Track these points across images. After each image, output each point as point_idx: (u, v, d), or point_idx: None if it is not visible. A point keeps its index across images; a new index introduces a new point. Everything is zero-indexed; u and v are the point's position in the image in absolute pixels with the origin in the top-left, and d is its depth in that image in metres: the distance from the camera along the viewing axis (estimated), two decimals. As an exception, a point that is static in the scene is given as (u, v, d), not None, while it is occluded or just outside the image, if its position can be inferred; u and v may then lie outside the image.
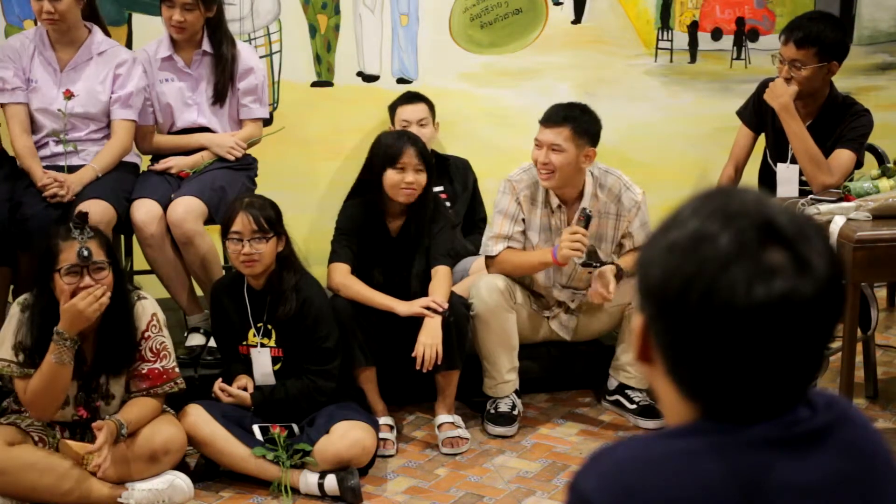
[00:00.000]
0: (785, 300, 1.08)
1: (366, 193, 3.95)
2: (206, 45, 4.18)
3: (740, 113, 4.51)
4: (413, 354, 3.76)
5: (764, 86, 4.35)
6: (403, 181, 3.85)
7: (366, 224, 3.95)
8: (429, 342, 3.76)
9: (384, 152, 3.89)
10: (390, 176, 3.86)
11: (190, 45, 4.18)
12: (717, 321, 1.09)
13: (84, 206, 3.68)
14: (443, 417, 3.96)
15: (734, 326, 1.08)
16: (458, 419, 3.98)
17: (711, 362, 1.11)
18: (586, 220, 3.85)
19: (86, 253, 3.30)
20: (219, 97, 4.20)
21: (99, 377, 3.45)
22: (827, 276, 1.10)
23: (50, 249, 3.36)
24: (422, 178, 3.89)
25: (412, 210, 3.95)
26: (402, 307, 3.81)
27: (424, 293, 3.90)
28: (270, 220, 3.65)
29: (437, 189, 4.51)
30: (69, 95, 3.99)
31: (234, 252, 3.63)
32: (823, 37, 4.11)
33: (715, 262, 1.09)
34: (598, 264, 4.02)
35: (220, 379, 3.72)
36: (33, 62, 4.04)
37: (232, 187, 4.08)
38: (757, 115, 4.43)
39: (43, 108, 4.02)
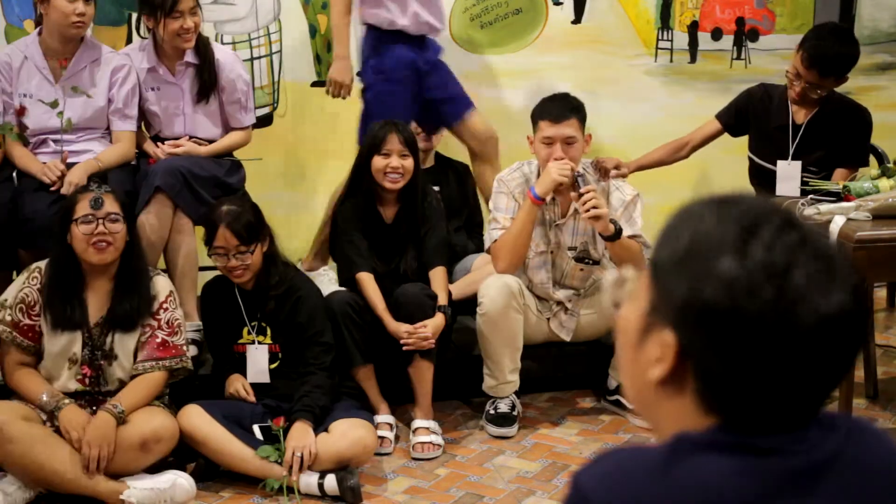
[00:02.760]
0: (841, 315, 1.10)
1: (359, 188, 3.98)
2: (189, 55, 4.18)
3: (720, 115, 4.55)
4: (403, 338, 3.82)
5: (748, 94, 4.46)
6: (388, 166, 3.91)
7: (363, 216, 3.99)
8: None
9: (371, 139, 3.97)
10: (376, 162, 3.93)
11: (175, 54, 4.18)
12: (784, 343, 1.09)
13: None
14: (418, 422, 3.92)
15: (799, 346, 1.09)
16: (434, 425, 3.94)
17: (764, 379, 1.10)
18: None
19: (98, 198, 3.48)
20: (203, 95, 4.20)
21: (107, 334, 3.51)
22: (858, 286, 1.13)
23: (68, 202, 3.54)
24: (408, 164, 3.95)
25: (405, 197, 3.99)
26: (392, 326, 3.84)
27: (418, 278, 3.96)
28: (252, 228, 3.65)
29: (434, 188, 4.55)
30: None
31: (221, 265, 3.68)
32: (846, 66, 4.19)
33: (791, 295, 1.08)
34: (591, 262, 4.05)
35: (232, 377, 3.74)
36: (23, 75, 4.04)
37: (199, 175, 4.07)
38: (737, 119, 4.48)
39: (40, 127, 4.04)
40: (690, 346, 1.12)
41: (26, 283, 3.54)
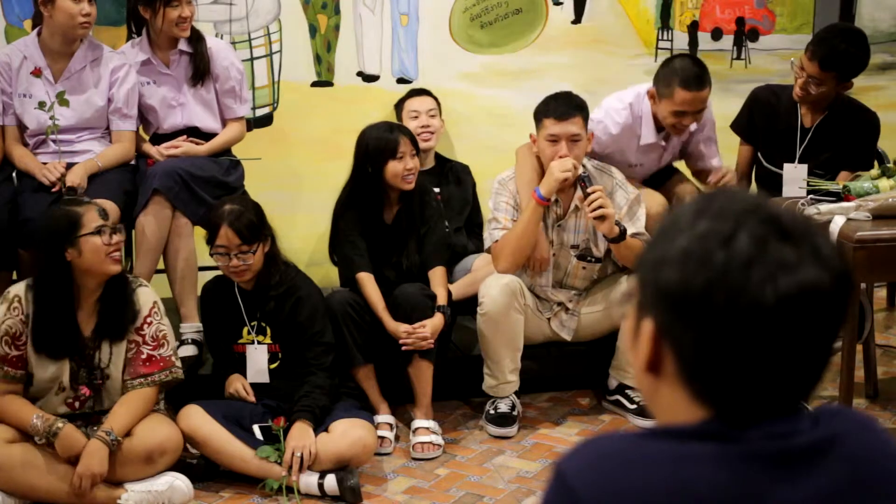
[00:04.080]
0: (810, 291, 1.08)
1: (364, 195, 3.97)
2: (182, 44, 4.18)
3: (736, 126, 4.53)
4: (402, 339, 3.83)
5: (754, 97, 4.44)
6: (405, 168, 3.91)
7: (365, 219, 3.99)
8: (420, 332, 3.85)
9: (382, 146, 3.93)
10: (393, 167, 3.91)
11: (169, 45, 4.18)
12: (745, 319, 1.08)
13: None
14: (418, 422, 3.93)
15: (762, 322, 1.08)
16: (434, 425, 3.94)
17: (737, 361, 1.09)
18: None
19: (103, 209, 3.45)
20: (198, 78, 4.19)
21: (100, 348, 3.46)
22: (839, 267, 1.11)
23: (67, 216, 3.40)
24: (417, 162, 3.99)
25: (405, 196, 4.00)
26: (391, 325, 3.85)
27: (421, 273, 3.98)
28: (254, 227, 3.64)
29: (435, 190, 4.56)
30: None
31: (222, 264, 3.66)
32: (849, 63, 4.16)
33: (737, 261, 1.08)
34: (593, 259, 4.05)
35: (232, 377, 3.74)
36: (22, 75, 4.03)
37: (198, 176, 4.05)
38: (751, 125, 4.47)
39: (40, 127, 4.04)
40: (664, 329, 1.13)
41: (8, 315, 3.42)
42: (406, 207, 4.02)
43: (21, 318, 3.42)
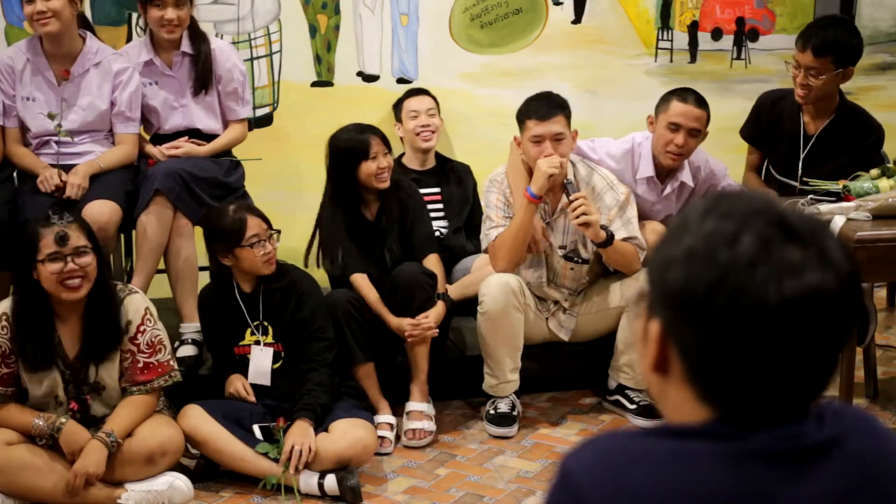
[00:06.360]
0: (815, 295, 1.07)
1: (343, 197, 3.97)
2: (185, 46, 4.17)
3: (744, 133, 4.50)
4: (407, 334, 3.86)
5: (757, 106, 4.42)
6: (378, 168, 3.91)
7: (348, 221, 3.98)
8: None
9: (353, 147, 3.93)
10: (366, 167, 3.92)
11: (170, 46, 4.17)
12: (748, 320, 1.07)
13: (91, 207, 3.74)
14: (413, 405, 3.94)
15: (766, 324, 1.07)
16: (427, 407, 3.95)
17: (741, 362, 1.09)
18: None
19: (63, 234, 3.29)
20: (201, 85, 4.19)
21: (87, 367, 3.43)
22: (847, 270, 1.10)
23: (29, 238, 3.33)
24: (390, 160, 3.99)
25: (383, 193, 4.01)
26: (394, 322, 3.88)
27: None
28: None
29: (432, 190, 4.55)
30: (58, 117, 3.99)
31: (260, 254, 3.65)
32: (841, 45, 4.09)
33: (741, 262, 1.07)
34: (580, 260, 4.05)
35: (232, 377, 3.74)
36: (25, 78, 4.03)
37: (199, 177, 4.05)
38: (758, 131, 4.44)
39: (43, 129, 4.04)
40: (669, 329, 1.13)
41: None
42: (385, 203, 4.03)
43: (9, 336, 3.38)
